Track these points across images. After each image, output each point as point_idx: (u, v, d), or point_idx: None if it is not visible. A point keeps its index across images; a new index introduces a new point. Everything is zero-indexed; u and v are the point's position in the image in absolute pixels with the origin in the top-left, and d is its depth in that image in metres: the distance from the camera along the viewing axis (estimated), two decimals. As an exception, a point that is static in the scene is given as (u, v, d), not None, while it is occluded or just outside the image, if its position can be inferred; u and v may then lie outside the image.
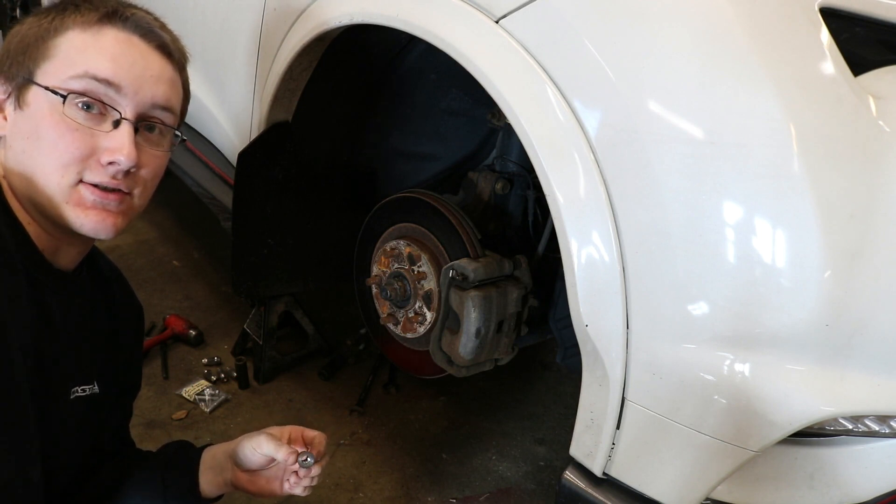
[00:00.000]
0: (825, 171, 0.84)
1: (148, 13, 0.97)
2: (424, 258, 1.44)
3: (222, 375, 2.01)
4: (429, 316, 1.44)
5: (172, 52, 0.97)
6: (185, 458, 1.17)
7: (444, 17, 1.10)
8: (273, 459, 1.10)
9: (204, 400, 1.90)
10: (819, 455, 1.02)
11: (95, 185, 0.89)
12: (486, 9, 1.05)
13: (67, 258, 0.96)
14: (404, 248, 1.47)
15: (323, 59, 1.48)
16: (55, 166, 0.88)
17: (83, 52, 0.89)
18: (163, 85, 0.94)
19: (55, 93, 0.87)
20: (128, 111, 0.90)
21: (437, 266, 1.42)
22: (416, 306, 1.46)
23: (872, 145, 0.86)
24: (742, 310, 0.88)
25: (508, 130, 1.46)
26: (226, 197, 1.91)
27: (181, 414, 1.83)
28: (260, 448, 1.09)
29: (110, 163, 0.88)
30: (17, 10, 3.60)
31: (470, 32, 1.06)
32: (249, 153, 1.61)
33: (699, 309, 0.90)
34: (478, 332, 1.30)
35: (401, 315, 1.50)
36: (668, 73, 0.89)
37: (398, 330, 1.52)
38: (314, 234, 1.83)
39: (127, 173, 0.91)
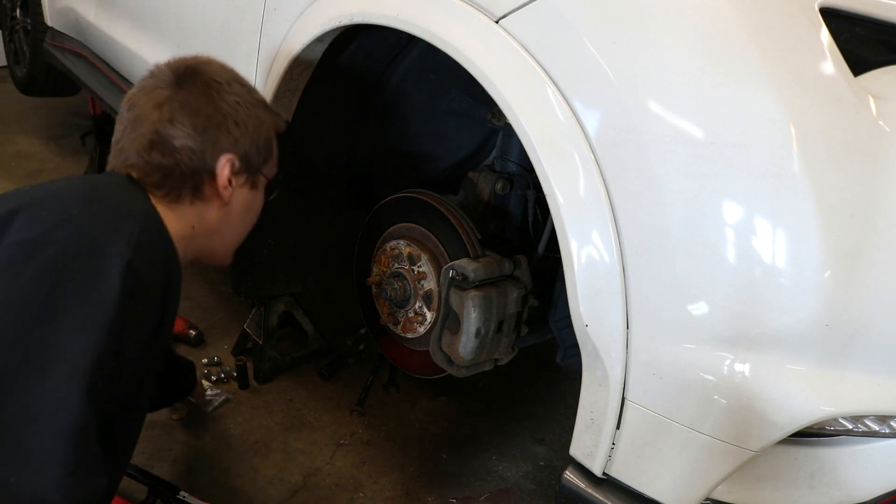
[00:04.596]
0: (825, 172, 0.84)
1: None
2: (424, 258, 1.44)
3: (222, 375, 2.01)
4: (429, 316, 1.44)
5: None
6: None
7: (444, 17, 1.10)
8: None
9: None
10: (819, 455, 1.02)
11: None
12: (487, 9, 1.05)
13: None
14: (404, 248, 1.47)
15: (323, 59, 1.48)
16: (247, 231, 1.28)
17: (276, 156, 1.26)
18: None
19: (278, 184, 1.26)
20: None
21: (437, 266, 1.42)
22: (416, 306, 1.46)
23: (872, 145, 0.86)
24: (742, 310, 0.88)
25: (508, 130, 1.46)
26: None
27: (181, 414, 1.83)
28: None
29: None
30: (17, 10, 3.60)
31: (470, 32, 1.06)
32: (249, 153, 1.61)
33: (699, 309, 0.90)
34: (478, 332, 1.30)
35: (401, 315, 1.50)
36: (668, 73, 0.89)
37: (398, 330, 1.52)
38: (314, 234, 1.83)
39: None
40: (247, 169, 1.16)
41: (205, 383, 1.95)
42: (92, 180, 1.08)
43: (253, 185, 1.19)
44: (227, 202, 1.16)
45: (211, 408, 1.87)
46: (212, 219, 1.16)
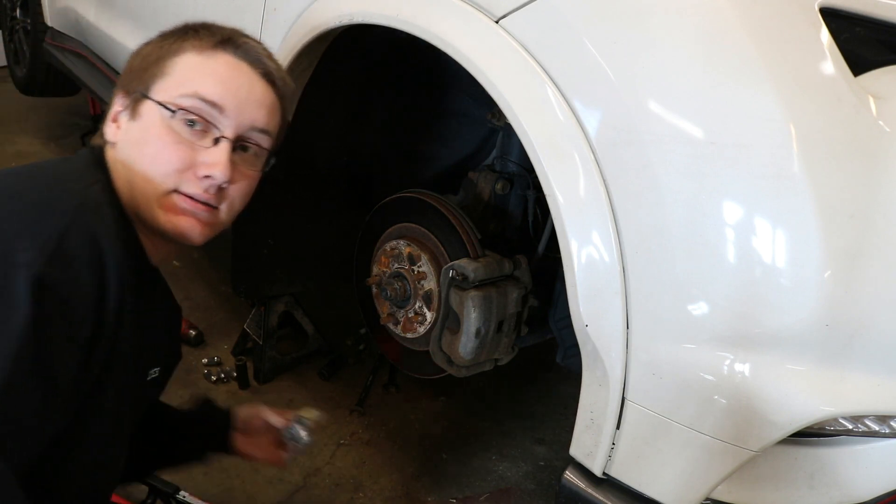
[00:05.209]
0: (825, 172, 0.84)
1: (259, 43, 1.05)
2: (424, 258, 1.44)
3: (222, 375, 2.01)
4: (429, 316, 1.44)
5: (276, 81, 1.04)
6: (219, 415, 1.32)
7: (444, 16, 1.10)
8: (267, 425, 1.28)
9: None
10: (819, 455, 1.02)
11: (189, 196, 0.96)
12: (487, 9, 1.05)
13: (157, 257, 1.03)
14: (404, 248, 1.47)
15: (323, 59, 1.48)
16: (157, 173, 0.94)
17: (195, 74, 0.97)
18: (263, 110, 1.01)
19: (166, 107, 0.94)
20: (228, 131, 0.97)
21: (437, 266, 1.42)
22: (416, 306, 1.46)
23: (872, 145, 0.86)
24: (742, 310, 0.88)
25: (508, 130, 1.46)
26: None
27: (181, 414, 1.83)
28: (261, 414, 1.29)
29: (206, 176, 0.95)
30: (17, 10, 3.60)
31: (470, 32, 1.06)
32: (249, 153, 1.61)
33: (699, 309, 0.90)
34: (478, 332, 1.30)
35: (401, 315, 1.50)
36: (668, 73, 0.89)
37: (398, 330, 1.52)
38: (314, 234, 1.83)
39: (219, 188, 0.97)
40: (131, 102, 0.98)
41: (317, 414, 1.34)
42: (41, 167, 0.95)
43: (135, 115, 0.97)
44: (115, 142, 0.98)
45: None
46: (117, 163, 0.97)
